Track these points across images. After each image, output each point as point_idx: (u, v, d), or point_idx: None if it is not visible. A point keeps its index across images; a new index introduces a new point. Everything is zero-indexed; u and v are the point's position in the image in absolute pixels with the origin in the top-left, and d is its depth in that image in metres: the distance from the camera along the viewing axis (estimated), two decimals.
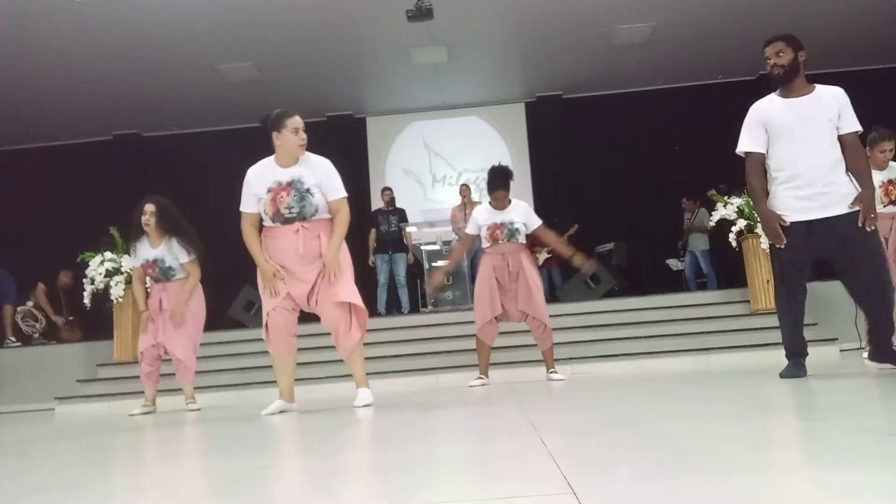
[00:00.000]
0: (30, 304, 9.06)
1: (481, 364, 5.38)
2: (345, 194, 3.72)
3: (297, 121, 3.67)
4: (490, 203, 5.24)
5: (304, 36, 8.73)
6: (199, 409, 5.17)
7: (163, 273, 5.10)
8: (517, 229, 5.15)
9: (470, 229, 5.32)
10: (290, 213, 3.59)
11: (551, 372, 5.30)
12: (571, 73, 10.49)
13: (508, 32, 9.26)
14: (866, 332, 3.63)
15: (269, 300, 3.67)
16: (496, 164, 5.33)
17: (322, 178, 3.66)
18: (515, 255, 5.18)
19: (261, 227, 3.75)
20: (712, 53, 9.93)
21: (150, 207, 5.09)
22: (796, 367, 3.50)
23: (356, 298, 3.67)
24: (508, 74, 10.60)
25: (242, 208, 3.70)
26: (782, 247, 3.46)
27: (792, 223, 3.43)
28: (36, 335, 9.01)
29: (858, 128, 3.45)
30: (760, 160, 3.57)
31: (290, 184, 3.61)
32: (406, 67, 9.84)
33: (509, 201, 5.20)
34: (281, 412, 3.73)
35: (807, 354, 3.57)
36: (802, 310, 3.53)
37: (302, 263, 3.63)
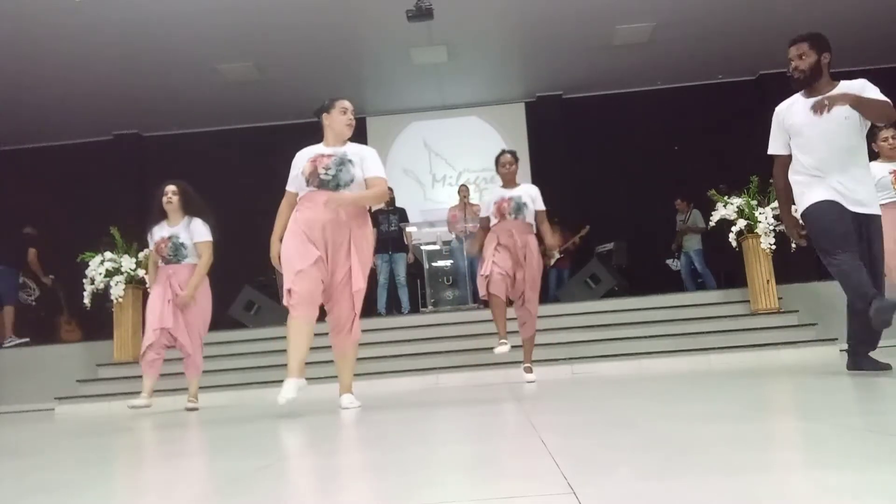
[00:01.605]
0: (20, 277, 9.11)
1: (499, 325, 5.09)
2: (384, 176, 3.83)
3: (345, 103, 3.85)
4: (502, 184, 5.33)
5: (304, 36, 8.73)
6: (197, 409, 5.13)
7: (174, 250, 5.00)
8: (524, 203, 5.13)
9: (483, 212, 5.38)
10: (326, 173, 3.65)
11: (526, 367, 5.22)
12: (571, 73, 10.48)
13: (508, 32, 9.26)
14: (847, 340, 3.54)
15: (296, 264, 3.55)
16: None
17: (365, 156, 3.80)
18: (523, 235, 5.09)
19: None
20: (712, 53, 9.92)
21: (171, 188, 5.12)
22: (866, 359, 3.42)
23: (360, 298, 3.68)
24: (508, 74, 10.60)
25: (287, 187, 3.84)
26: (803, 240, 3.48)
27: (825, 200, 3.38)
28: (32, 303, 9.02)
29: (884, 98, 3.39)
30: (785, 163, 3.61)
31: (332, 155, 3.74)
32: (406, 67, 9.84)
33: (518, 184, 5.29)
34: (299, 391, 3.46)
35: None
36: (864, 269, 3.29)
37: (334, 237, 3.60)
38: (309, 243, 3.58)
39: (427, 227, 8.65)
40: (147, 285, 5.30)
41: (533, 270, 5.10)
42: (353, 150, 3.81)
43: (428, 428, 2.62)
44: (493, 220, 5.20)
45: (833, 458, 1.38)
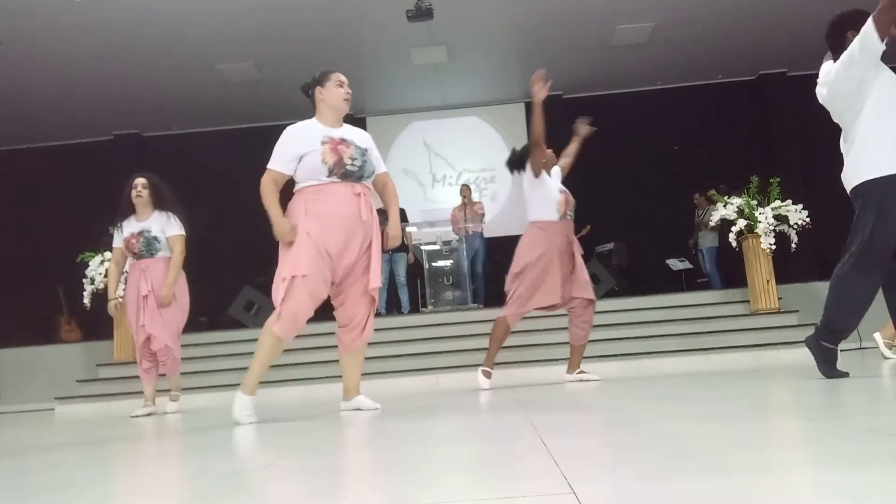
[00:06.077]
0: None
1: (492, 351, 4.62)
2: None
3: (341, 76, 3.44)
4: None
5: (304, 36, 8.73)
6: (177, 410, 4.98)
7: (146, 245, 4.81)
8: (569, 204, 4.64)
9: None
10: (352, 164, 3.25)
11: (580, 372, 4.66)
12: (571, 73, 10.48)
13: (508, 32, 9.26)
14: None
15: (301, 269, 3.12)
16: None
17: (370, 145, 3.46)
18: (572, 236, 4.61)
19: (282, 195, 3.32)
20: (712, 53, 9.93)
21: (141, 180, 4.88)
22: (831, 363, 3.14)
23: (377, 296, 3.45)
24: (508, 74, 10.59)
25: (272, 165, 3.27)
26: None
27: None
28: None
29: None
30: None
31: (344, 140, 3.30)
32: (406, 67, 9.84)
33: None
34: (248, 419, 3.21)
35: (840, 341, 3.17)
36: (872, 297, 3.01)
37: (354, 237, 3.25)
38: (324, 256, 3.17)
39: (427, 227, 8.66)
40: (110, 292, 5.02)
41: (580, 254, 4.61)
42: (358, 135, 3.42)
43: (428, 428, 2.62)
44: (554, 215, 4.53)
45: (833, 458, 1.38)
